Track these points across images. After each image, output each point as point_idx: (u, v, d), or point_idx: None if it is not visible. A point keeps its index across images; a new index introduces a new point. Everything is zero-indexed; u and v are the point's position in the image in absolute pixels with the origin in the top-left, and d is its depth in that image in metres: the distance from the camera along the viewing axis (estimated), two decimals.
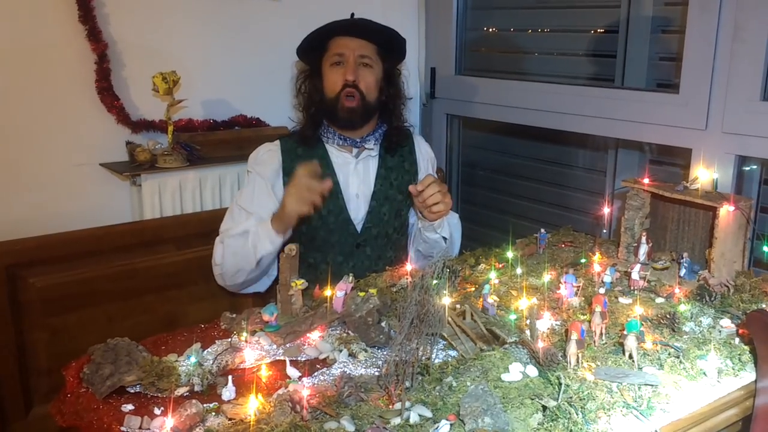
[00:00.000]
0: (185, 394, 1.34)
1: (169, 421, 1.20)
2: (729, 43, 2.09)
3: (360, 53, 2.09)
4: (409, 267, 1.90)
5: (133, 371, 1.37)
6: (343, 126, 2.13)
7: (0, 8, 2.24)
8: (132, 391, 1.36)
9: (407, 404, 1.23)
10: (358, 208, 2.15)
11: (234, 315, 1.67)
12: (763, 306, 1.68)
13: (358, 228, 2.14)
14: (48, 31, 2.33)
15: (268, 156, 2.14)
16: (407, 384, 1.30)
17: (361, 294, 1.64)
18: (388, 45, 2.17)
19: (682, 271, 1.87)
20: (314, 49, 2.15)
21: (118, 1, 2.43)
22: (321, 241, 2.12)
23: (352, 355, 1.49)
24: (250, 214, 2.04)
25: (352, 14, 2.18)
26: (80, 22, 2.35)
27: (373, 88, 2.12)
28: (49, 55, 2.34)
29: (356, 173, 2.16)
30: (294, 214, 1.92)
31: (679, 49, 2.27)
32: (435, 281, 1.37)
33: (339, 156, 2.15)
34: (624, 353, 1.42)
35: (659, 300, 1.75)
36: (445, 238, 2.15)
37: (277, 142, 2.17)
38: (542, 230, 2.15)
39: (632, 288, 1.80)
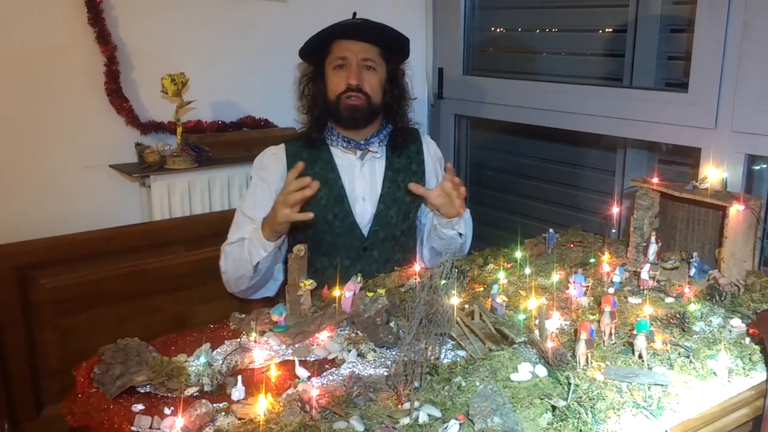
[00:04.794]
0: (195, 394, 1.34)
1: (179, 420, 1.20)
2: (738, 42, 2.08)
3: (363, 56, 2.08)
4: (417, 267, 1.90)
5: (143, 371, 1.38)
6: (346, 126, 2.12)
7: (10, 11, 2.26)
8: (142, 391, 1.37)
9: (416, 404, 1.23)
10: (364, 212, 2.13)
11: (243, 315, 1.67)
12: None
13: (365, 231, 2.13)
14: (58, 33, 2.34)
15: (272, 160, 2.13)
16: (416, 384, 1.31)
17: (370, 294, 1.65)
18: (392, 46, 2.15)
19: (692, 271, 1.87)
20: (317, 52, 2.14)
21: (127, 4, 2.45)
22: (327, 246, 2.11)
23: (360, 355, 1.49)
24: (252, 220, 2.04)
25: (354, 13, 2.16)
26: (89, 24, 2.36)
27: (377, 90, 2.12)
28: (58, 57, 2.36)
29: (362, 176, 2.15)
30: (283, 220, 1.88)
31: (688, 48, 2.27)
32: (443, 281, 1.37)
33: (344, 158, 2.14)
34: (634, 353, 1.42)
35: (669, 300, 1.74)
36: (460, 234, 2.14)
37: (282, 145, 2.16)
38: (551, 230, 2.15)
39: (642, 288, 1.80)
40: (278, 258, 2.07)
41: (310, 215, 1.87)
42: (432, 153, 2.29)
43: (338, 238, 2.11)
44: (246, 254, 1.99)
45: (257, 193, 2.09)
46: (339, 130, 2.14)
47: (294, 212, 1.87)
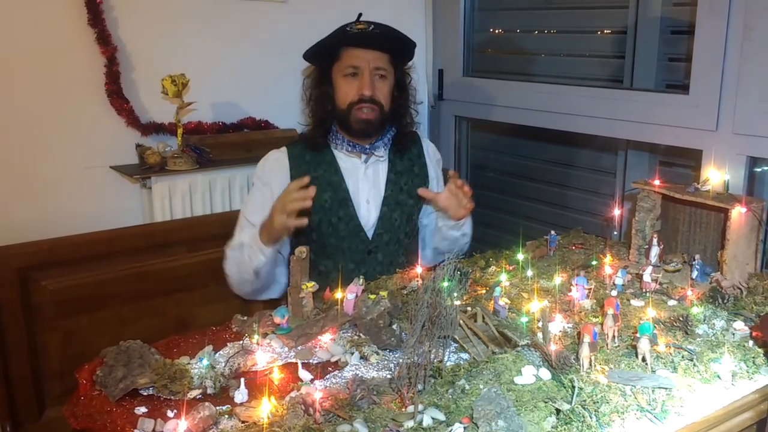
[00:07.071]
0: (198, 397, 1.34)
1: (183, 423, 1.20)
2: (739, 43, 2.08)
3: (375, 65, 2.05)
4: (419, 270, 1.90)
5: (145, 374, 1.37)
6: (356, 136, 2.10)
7: (10, 12, 2.25)
8: (145, 393, 1.37)
9: (420, 407, 1.23)
10: (368, 214, 2.12)
11: (245, 317, 1.67)
12: None
13: (369, 234, 2.12)
14: (57, 34, 2.34)
15: (275, 165, 2.11)
16: (420, 387, 1.30)
17: (372, 297, 1.64)
18: (401, 52, 2.14)
19: (694, 274, 1.86)
20: (325, 56, 2.10)
21: (127, 5, 2.44)
22: (332, 249, 2.10)
23: (363, 357, 1.49)
24: (253, 225, 2.03)
25: (360, 15, 2.13)
26: (89, 25, 2.36)
27: (388, 98, 2.10)
28: (58, 58, 2.35)
29: (366, 178, 2.13)
30: (279, 227, 1.88)
31: (688, 50, 2.26)
32: (446, 283, 1.37)
33: (348, 161, 2.12)
34: (637, 356, 1.42)
35: (671, 302, 1.74)
36: (463, 234, 2.15)
37: (284, 149, 2.13)
38: (552, 232, 2.15)
39: (644, 290, 1.80)
40: (279, 262, 2.06)
41: (304, 221, 1.87)
42: (432, 155, 2.30)
43: (343, 241, 2.10)
44: (246, 259, 1.99)
45: (258, 198, 2.08)
46: (344, 135, 2.11)
47: (291, 219, 1.86)
